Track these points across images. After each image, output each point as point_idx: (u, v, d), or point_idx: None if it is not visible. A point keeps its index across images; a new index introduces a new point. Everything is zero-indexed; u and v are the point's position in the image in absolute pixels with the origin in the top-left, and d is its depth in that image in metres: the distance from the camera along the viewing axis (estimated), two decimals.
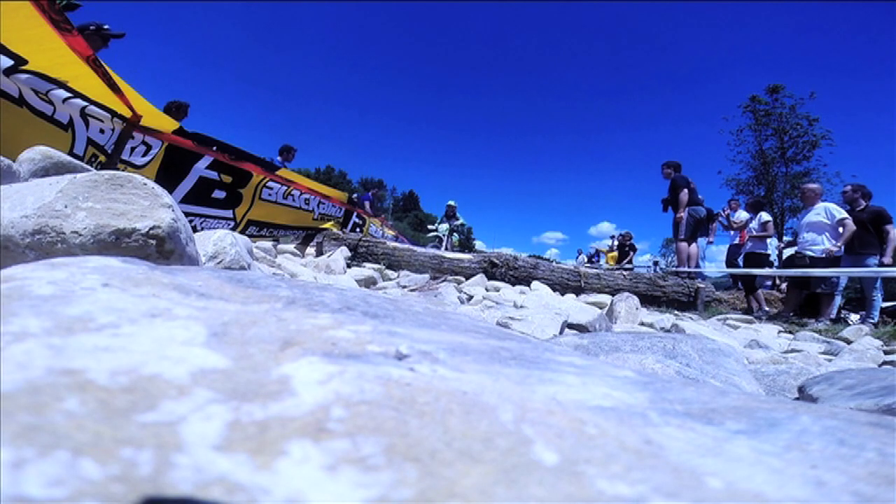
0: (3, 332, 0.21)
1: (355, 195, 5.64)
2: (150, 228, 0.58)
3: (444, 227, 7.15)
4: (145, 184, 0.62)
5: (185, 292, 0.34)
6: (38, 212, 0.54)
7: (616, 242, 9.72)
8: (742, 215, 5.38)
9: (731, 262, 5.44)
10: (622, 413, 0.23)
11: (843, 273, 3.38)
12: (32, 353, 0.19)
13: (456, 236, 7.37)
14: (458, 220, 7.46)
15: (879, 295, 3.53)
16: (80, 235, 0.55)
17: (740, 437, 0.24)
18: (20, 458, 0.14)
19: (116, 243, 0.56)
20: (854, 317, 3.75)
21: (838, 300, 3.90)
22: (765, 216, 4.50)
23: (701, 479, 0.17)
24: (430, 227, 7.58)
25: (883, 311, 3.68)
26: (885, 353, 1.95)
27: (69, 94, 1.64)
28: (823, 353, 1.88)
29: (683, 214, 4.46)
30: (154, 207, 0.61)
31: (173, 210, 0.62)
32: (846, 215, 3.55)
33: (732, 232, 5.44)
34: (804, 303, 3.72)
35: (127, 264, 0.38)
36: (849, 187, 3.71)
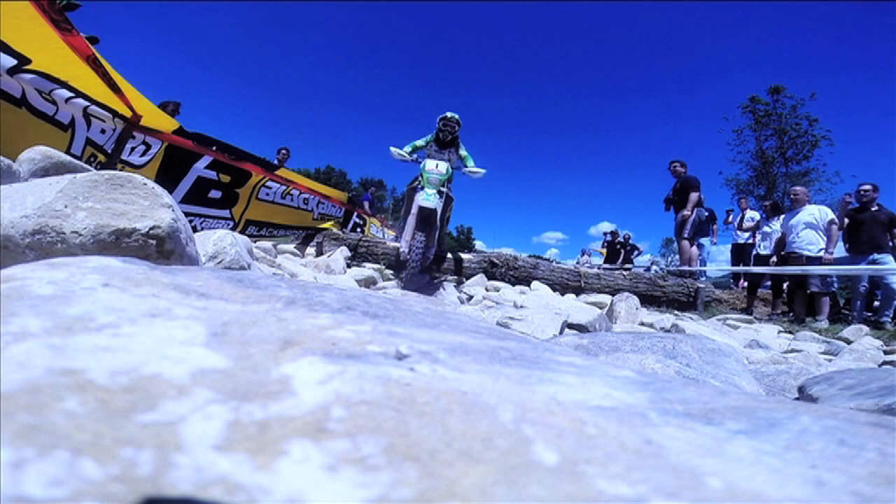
0: (4, 332, 0.21)
1: (352, 193, 5.61)
2: (150, 228, 0.58)
3: (442, 168, 2.61)
4: (145, 184, 0.62)
5: (185, 292, 0.34)
6: (38, 212, 0.54)
7: (608, 239, 9.70)
8: (755, 215, 5.37)
9: (739, 260, 5.40)
10: (622, 413, 0.23)
11: (851, 272, 3.38)
12: (32, 353, 0.19)
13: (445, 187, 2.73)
14: (460, 155, 3.02)
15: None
16: (80, 235, 0.55)
17: (740, 437, 0.24)
18: (20, 458, 0.14)
19: (116, 243, 0.56)
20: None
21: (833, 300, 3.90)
22: None
23: (701, 479, 0.17)
24: (416, 145, 2.96)
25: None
26: (885, 353, 1.96)
27: (72, 94, 1.62)
28: (823, 353, 1.88)
29: (691, 214, 4.46)
30: (154, 207, 0.61)
31: (173, 210, 0.62)
32: (835, 217, 3.61)
33: (747, 234, 5.40)
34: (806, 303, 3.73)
35: (127, 264, 0.38)
36: (868, 186, 3.70)
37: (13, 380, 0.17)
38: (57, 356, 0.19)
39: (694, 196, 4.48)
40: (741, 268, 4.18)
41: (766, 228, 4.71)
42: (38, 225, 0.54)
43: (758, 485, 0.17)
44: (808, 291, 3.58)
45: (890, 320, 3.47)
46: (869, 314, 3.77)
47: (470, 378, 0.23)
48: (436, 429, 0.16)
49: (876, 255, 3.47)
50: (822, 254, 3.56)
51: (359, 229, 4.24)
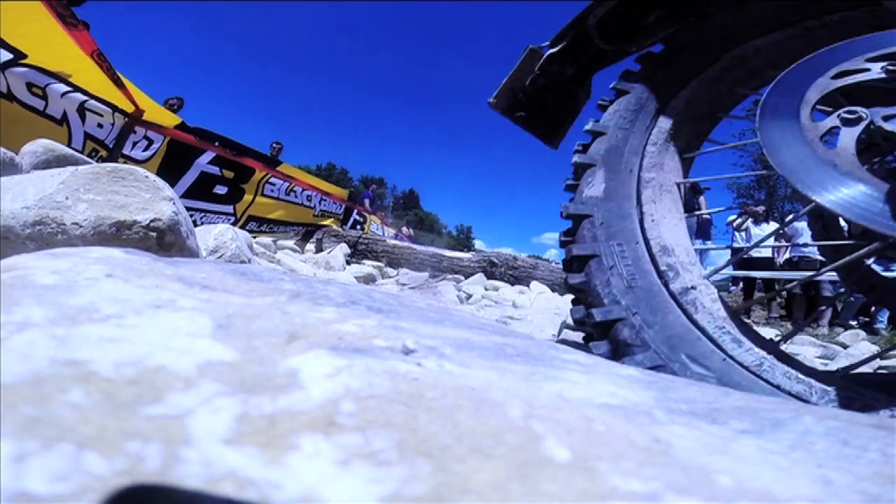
0: (6, 323, 0.21)
1: (351, 190, 5.60)
2: (151, 221, 0.58)
3: None
4: (147, 176, 0.62)
5: (188, 284, 0.34)
6: (39, 203, 0.54)
7: None
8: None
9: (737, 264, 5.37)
10: (628, 411, 0.23)
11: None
12: (36, 344, 0.19)
13: None
14: None
15: None
16: (81, 227, 0.55)
17: (746, 437, 0.24)
18: (23, 451, 0.14)
19: (117, 235, 0.56)
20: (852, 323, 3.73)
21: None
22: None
23: (710, 476, 0.17)
24: None
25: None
26: (881, 358, 1.96)
27: (69, 89, 1.63)
28: (819, 357, 1.89)
29: (708, 216, 4.47)
30: (155, 200, 0.60)
31: (174, 203, 0.62)
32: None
33: (741, 237, 5.37)
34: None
35: (130, 255, 0.38)
36: None
37: (16, 371, 0.17)
38: (61, 347, 0.19)
39: (703, 199, 4.45)
40: (762, 272, 4.04)
41: (757, 232, 4.66)
42: (38, 216, 0.54)
43: (766, 483, 0.17)
44: (823, 296, 3.53)
45: (885, 326, 3.48)
46: (866, 319, 3.78)
47: (477, 374, 0.23)
48: (445, 424, 0.16)
49: None
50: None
51: (359, 226, 4.24)
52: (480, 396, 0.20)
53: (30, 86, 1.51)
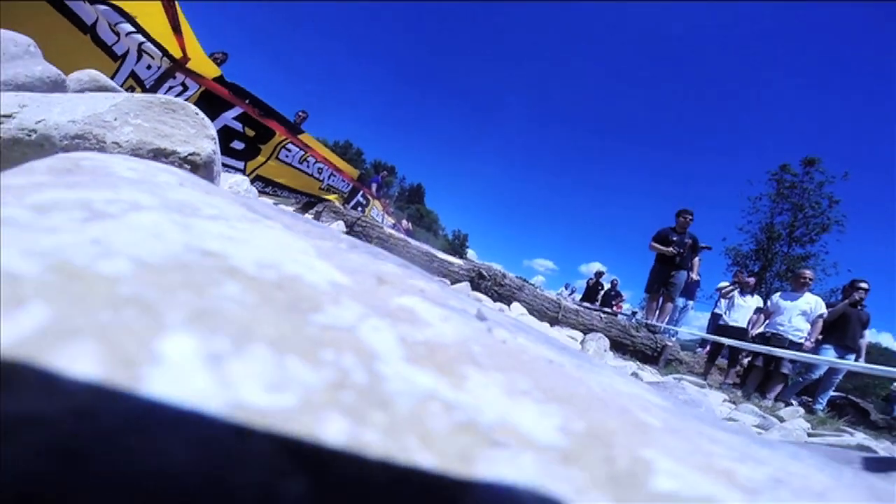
0: (115, 199, 0.18)
1: (362, 172, 5.55)
2: (190, 154, 0.58)
3: None
4: (197, 113, 0.62)
5: (252, 210, 0.34)
6: (87, 119, 0.54)
7: (591, 279, 9.94)
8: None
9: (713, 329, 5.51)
10: (667, 408, 0.25)
11: (838, 365, 3.53)
12: (161, 226, 0.17)
13: None
14: None
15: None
16: (120, 147, 0.54)
17: (755, 445, 0.27)
18: (213, 350, 0.11)
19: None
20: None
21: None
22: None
23: (762, 459, 0.19)
24: None
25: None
26: (809, 434, 2.13)
27: (133, 30, 1.69)
28: (757, 426, 2.02)
29: (698, 277, 4.56)
30: (199, 136, 0.61)
31: (215, 143, 0.63)
32: (825, 312, 3.82)
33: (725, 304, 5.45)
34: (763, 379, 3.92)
35: (189, 175, 0.38)
36: (866, 284, 3.95)
37: (154, 250, 0.15)
38: (187, 233, 0.17)
39: (697, 260, 4.53)
40: (731, 340, 4.16)
41: (740, 301, 4.71)
42: (82, 130, 0.53)
43: (798, 471, 0.20)
44: (781, 372, 3.74)
45: (822, 408, 3.75)
46: (808, 399, 4.04)
47: (544, 351, 0.25)
48: (556, 381, 0.17)
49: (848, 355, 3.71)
50: (802, 341, 3.75)
51: (360, 208, 4.19)
52: (559, 369, 0.21)
53: (109, 24, 1.58)
